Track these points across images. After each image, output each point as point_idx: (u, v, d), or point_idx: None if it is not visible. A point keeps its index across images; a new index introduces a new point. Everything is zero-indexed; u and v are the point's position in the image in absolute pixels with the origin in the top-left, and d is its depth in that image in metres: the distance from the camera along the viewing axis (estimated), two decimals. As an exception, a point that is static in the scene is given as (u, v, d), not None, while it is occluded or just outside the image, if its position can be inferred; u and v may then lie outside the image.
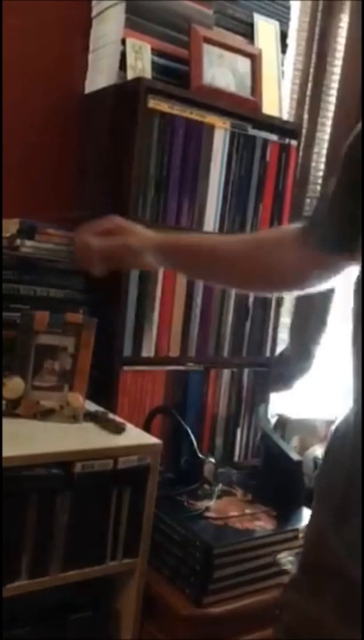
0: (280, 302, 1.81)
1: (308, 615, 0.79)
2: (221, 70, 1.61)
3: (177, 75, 1.57)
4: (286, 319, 1.90)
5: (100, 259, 1.03)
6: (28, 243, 1.46)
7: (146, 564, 1.26)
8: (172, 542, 1.29)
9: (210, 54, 1.58)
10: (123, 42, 1.50)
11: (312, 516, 0.86)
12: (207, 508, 1.37)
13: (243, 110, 1.62)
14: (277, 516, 1.40)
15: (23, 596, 1.14)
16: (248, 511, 1.39)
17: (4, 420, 1.26)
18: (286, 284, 0.97)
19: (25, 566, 1.12)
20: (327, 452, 0.85)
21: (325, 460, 0.85)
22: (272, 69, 1.73)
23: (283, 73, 1.79)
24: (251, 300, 1.72)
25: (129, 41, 1.50)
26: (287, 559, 1.31)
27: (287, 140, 1.71)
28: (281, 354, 1.89)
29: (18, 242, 1.45)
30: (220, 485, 1.48)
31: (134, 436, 1.30)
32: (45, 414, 1.30)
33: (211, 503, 1.39)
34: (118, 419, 1.34)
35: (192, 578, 1.23)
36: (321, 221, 0.87)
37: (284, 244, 0.92)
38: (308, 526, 0.88)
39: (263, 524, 1.36)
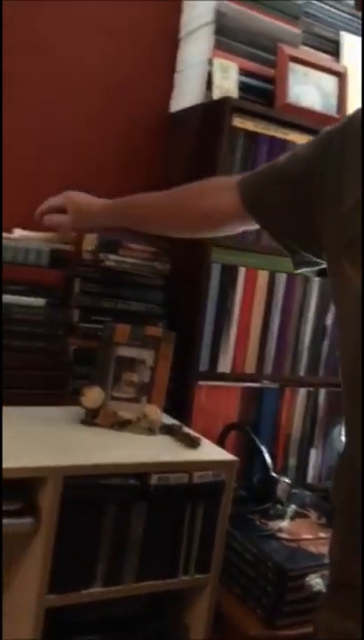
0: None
1: (341, 632, 0.80)
2: (307, 89, 1.61)
3: (262, 93, 1.58)
4: None
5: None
6: (112, 257, 1.50)
7: (218, 580, 1.26)
8: (244, 561, 1.28)
9: (296, 73, 1.59)
10: (210, 62, 1.53)
11: (334, 534, 0.87)
12: (279, 529, 1.35)
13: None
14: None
15: (96, 604, 1.16)
16: (322, 535, 1.36)
17: (83, 429, 1.30)
18: (216, 225, 1.14)
19: (100, 574, 1.14)
20: (340, 469, 0.86)
21: (340, 478, 0.86)
22: (358, 87, 1.71)
23: (370, 91, 1.77)
24: (329, 319, 1.69)
25: (216, 61, 1.52)
26: (315, 581, 1.27)
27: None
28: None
29: (101, 256, 1.50)
30: (293, 506, 1.46)
31: (209, 451, 1.30)
32: (123, 425, 1.32)
33: (284, 524, 1.38)
34: (193, 433, 1.35)
35: (263, 599, 1.22)
36: (258, 185, 1.01)
37: (220, 190, 1.08)
38: (332, 545, 0.88)
39: (337, 550, 1.32)
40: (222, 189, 1.07)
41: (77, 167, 1.61)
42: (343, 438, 1.75)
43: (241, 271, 1.55)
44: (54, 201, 1.38)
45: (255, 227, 1.06)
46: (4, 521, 1.05)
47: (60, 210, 1.37)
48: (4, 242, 1.37)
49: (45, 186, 1.55)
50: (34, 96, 1.55)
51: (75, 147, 1.61)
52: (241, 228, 1.12)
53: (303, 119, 1.57)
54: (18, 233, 1.46)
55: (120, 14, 1.61)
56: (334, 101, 1.64)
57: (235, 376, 1.58)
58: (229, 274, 1.54)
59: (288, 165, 0.95)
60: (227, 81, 1.53)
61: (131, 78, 1.66)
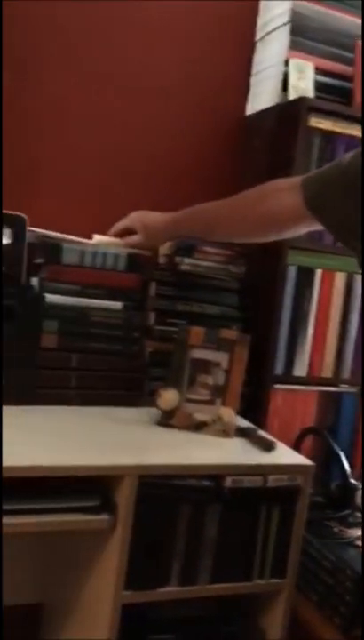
0: None
1: None
2: (386, 86, 1.56)
3: (340, 92, 1.55)
4: None
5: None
6: (187, 260, 1.51)
7: (295, 586, 1.24)
8: (322, 568, 1.25)
9: (375, 70, 1.55)
10: (286, 62, 1.52)
11: None
12: (358, 537, 1.32)
13: None
14: None
15: (173, 603, 1.17)
16: None
17: (159, 430, 1.32)
18: (281, 227, 1.15)
19: (175, 573, 1.15)
20: None
21: None
22: None
23: None
24: None
25: (292, 61, 1.51)
26: None
27: None
28: None
29: (177, 259, 1.52)
30: (372, 514, 1.42)
31: (285, 455, 1.29)
32: (198, 427, 1.33)
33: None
34: (269, 436, 1.34)
35: (341, 607, 1.19)
36: (321, 185, 1.01)
37: (282, 191, 1.09)
38: None
39: None
40: (284, 190, 1.07)
41: (154, 173, 1.64)
42: None
43: (318, 273, 1.53)
44: (121, 225, 1.44)
45: (320, 227, 1.05)
46: (82, 517, 1.08)
47: (131, 231, 1.44)
48: (84, 247, 1.41)
49: (123, 191, 1.60)
50: (111, 103, 1.59)
51: (152, 153, 1.64)
52: (305, 229, 1.11)
53: (382, 117, 1.53)
54: (96, 239, 1.50)
55: (195, 20, 1.63)
56: None
57: (312, 380, 1.55)
58: (305, 276, 1.52)
59: (353, 164, 0.93)
60: (303, 81, 1.52)
61: (207, 83, 1.67)
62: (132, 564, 1.10)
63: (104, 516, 1.09)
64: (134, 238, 1.44)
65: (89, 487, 1.09)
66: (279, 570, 1.22)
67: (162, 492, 1.12)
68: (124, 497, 1.08)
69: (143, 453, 1.16)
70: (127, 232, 1.47)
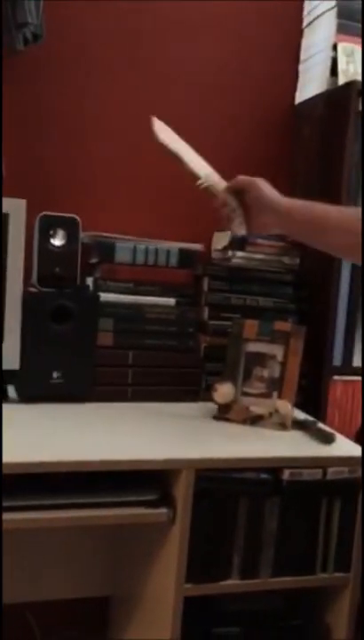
0: None
1: None
2: None
3: (390, 74, 1.51)
4: None
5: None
6: (239, 254, 1.51)
7: (360, 580, 1.22)
8: (386, 562, 1.22)
9: None
10: (335, 47, 1.49)
11: None
12: None
13: None
14: None
15: (236, 596, 1.17)
16: None
17: (216, 424, 1.32)
18: None
19: (236, 566, 1.15)
20: None
21: None
22: None
23: None
24: None
25: (340, 45, 1.48)
26: None
27: None
28: None
29: (230, 253, 1.51)
30: None
31: (345, 447, 1.26)
32: (255, 420, 1.32)
33: None
34: (327, 428, 1.32)
35: None
36: None
37: None
38: None
39: None
40: None
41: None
42: None
43: (374, 261, 1.49)
44: (239, 181, 1.19)
45: None
46: (141, 511, 1.10)
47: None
48: (138, 245, 1.43)
49: (177, 190, 1.60)
50: (167, 99, 1.59)
51: (203, 142, 1.63)
52: None
53: None
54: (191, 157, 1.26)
55: (242, 12, 1.62)
56: None
57: (372, 370, 1.52)
58: (360, 267, 1.48)
59: None
60: (353, 65, 1.48)
61: (257, 75, 1.65)
62: (193, 557, 1.11)
63: (163, 510, 1.10)
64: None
65: (148, 481, 1.11)
66: (343, 564, 1.20)
67: (220, 485, 1.12)
68: (182, 490, 1.09)
69: (200, 447, 1.17)
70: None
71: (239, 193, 1.18)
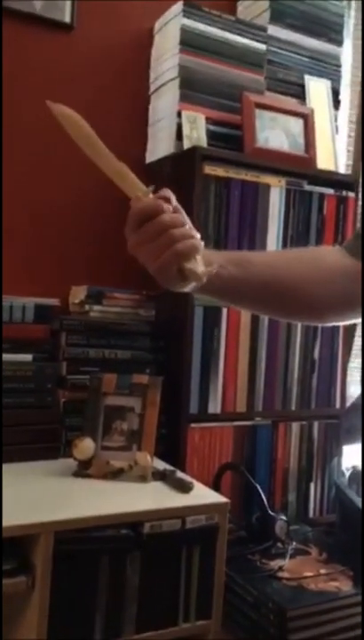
0: (348, 349, 1.80)
1: None
2: (274, 132, 1.66)
3: (231, 139, 1.64)
4: (355, 364, 1.88)
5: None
6: (96, 307, 1.54)
7: (221, 625, 1.25)
8: (245, 604, 1.27)
9: (263, 118, 1.64)
10: (179, 114, 1.59)
11: None
12: (280, 568, 1.35)
13: (298, 168, 1.66)
14: (354, 576, 1.35)
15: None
16: (323, 571, 1.36)
17: (76, 481, 1.31)
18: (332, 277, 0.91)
19: (98, 627, 1.13)
20: None
21: None
22: (325, 126, 1.77)
23: (337, 128, 1.83)
24: (317, 351, 1.71)
25: (184, 113, 1.58)
26: None
27: (344, 193, 1.73)
28: (354, 404, 1.86)
29: (86, 307, 1.54)
30: (294, 544, 1.45)
31: (202, 494, 1.31)
32: (115, 474, 1.33)
33: (285, 563, 1.37)
34: (186, 477, 1.36)
35: (266, 641, 1.21)
36: (355, 235, 0.94)
37: (330, 254, 0.96)
38: None
39: (339, 585, 1.31)
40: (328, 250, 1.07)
41: (47, 225, 1.66)
42: (343, 469, 1.76)
43: (224, 311, 1.58)
44: None
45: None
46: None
47: None
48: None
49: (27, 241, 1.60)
50: (14, 158, 1.60)
51: (60, 197, 1.66)
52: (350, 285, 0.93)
53: (272, 161, 1.62)
54: None
55: (93, 76, 1.69)
56: (301, 141, 1.69)
57: (226, 415, 1.59)
58: (212, 315, 1.57)
59: None
60: (196, 131, 1.59)
61: (110, 134, 1.70)
62: (53, 623, 1.08)
63: (21, 578, 1.07)
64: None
65: (5, 548, 1.07)
66: (204, 611, 1.23)
67: (80, 545, 1.11)
68: (41, 556, 1.07)
69: (58, 508, 1.16)
70: None
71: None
